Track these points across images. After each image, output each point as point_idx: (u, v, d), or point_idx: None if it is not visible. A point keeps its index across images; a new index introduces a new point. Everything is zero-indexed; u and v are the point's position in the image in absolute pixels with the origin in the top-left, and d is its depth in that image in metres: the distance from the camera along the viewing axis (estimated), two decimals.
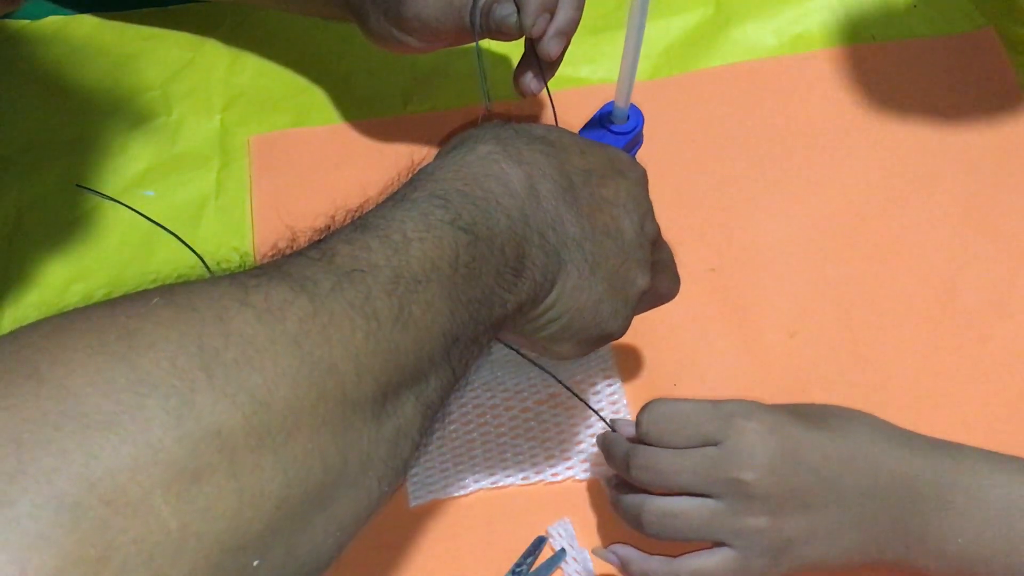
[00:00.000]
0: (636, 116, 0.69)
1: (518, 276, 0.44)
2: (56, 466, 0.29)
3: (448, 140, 0.50)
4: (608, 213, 0.49)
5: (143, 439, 0.30)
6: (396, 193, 0.44)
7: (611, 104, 0.68)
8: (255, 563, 0.32)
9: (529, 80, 0.66)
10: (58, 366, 0.31)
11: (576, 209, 0.48)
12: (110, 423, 0.30)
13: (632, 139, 0.69)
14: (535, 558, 0.60)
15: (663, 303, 0.57)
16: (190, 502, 0.30)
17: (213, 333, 0.33)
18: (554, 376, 0.58)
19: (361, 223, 0.41)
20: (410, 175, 0.46)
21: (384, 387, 0.37)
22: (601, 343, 0.51)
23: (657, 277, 0.54)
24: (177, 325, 0.33)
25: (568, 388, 0.59)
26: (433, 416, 0.41)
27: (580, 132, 0.70)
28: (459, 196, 0.43)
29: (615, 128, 0.69)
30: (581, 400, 0.61)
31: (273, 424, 0.33)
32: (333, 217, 0.43)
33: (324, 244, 0.39)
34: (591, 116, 0.70)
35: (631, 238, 0.50)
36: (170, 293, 0.34)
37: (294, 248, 0.40)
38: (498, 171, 0.45)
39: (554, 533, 0.61)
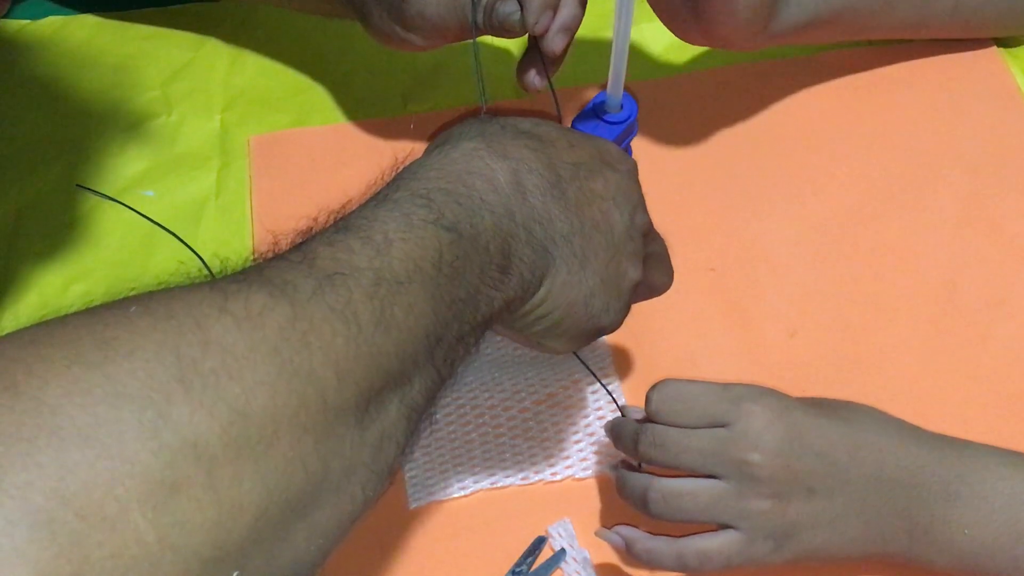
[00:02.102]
0: (630, 105, 0.68)
1: (505, 273, 0.44)
2: (31, 481, 0.28)
3: (436, 136, 0.50)
4: (597, 207, 0.49)
5: (119, 452, 0.30)
6: (379, 193, 0.43)
7: (604, 94, 0.67)
8: (235, 574, 0.32)
9: (532, 77, 0.66)
10: (34, 378, 0.30)
11: (564, 204, 0.47)
12: (86, 436, 0.30)
13: (626, 128, 0.68)
14: (535, 558, 0.60)
15: (656, 295, 0.57)
16: (167, 515, 0.30)
17: (191, 342, 0.33)
18: (579, 358, 0.58)
19: (343, 224, 0.41)
20: (394, 173, 0.45)
21: (367, 391, 0.37)
22: (594, 337, 0.51)
23: (650, 269, 0.54)
24: (154, 334, 0.33)
25: (588, 368, 0.59)
26: (419, 418, 0.41)
27: (573, 123, 0.69)
28: (442, 194, 0.42)
29: (609, 118, 0.68)
30: (598, 380, 0.60)
31: (252, 434, 0.33)
32: (316, 219, 0.43)
33: (305, 247, 0.39)
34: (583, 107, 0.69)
35: (621, 231, 0.50)
36: (148, 301, 0.34)
37: (276, 252, 0.40)
38: (482, 167, 0.45)
39: (554, 533, 0.61)
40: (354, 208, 0.42)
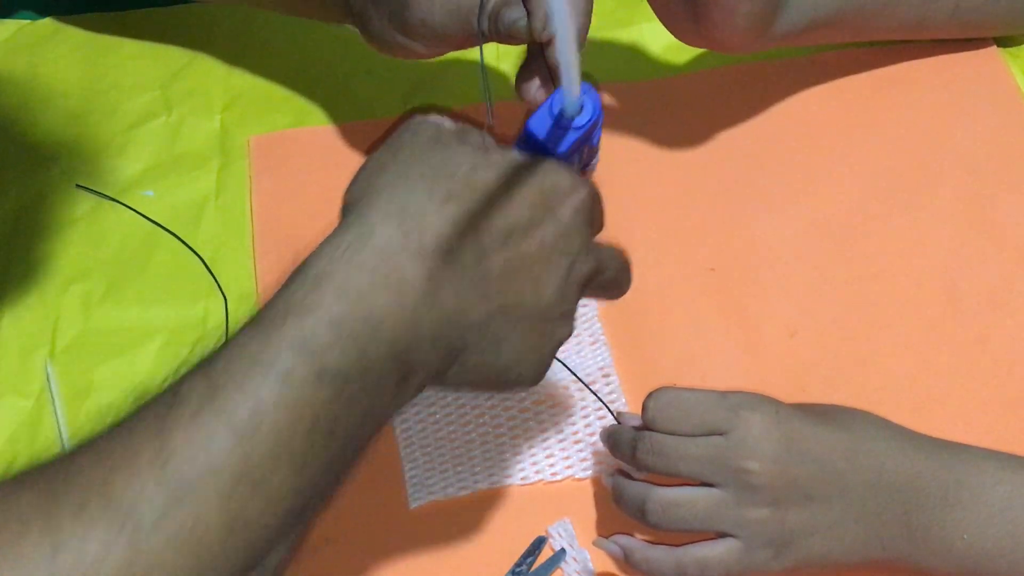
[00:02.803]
0: (591, 97, 0.54)
1: (401, 387, 0.42)
2: None
3: (372, 150, 0.47)
4: (527, 274, 0.44)
5: None
6: (263, 319, 0.40)
7: (560, 92, 0.52)
8: None
9: (535, 89, 0.62)
10: None
11: (484, 287, 0.43)
12: None
13: (591, 126, 0.55)
14: (535, 558, 0.60)
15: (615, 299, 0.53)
16: None
17: None
18: (567, 367, 0.58)
19: (213, 382, 0.38)
20: (293, 267, 0.41)
21: None
22: (515, 392, 0.49)
23: (603, 290, 0.50)
24: None
25: (580, 379, 0.59)
26: (283, 569, 0.39)
27: (527, 128, 0.53)
28: (332, 331, 0.39)
29: (568, 123, 0.53)
30: (591, 391, 0.61)
31: None
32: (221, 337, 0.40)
33: (166, 424, 0.37)
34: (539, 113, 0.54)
35: (552, 294, 0.45)
36: None
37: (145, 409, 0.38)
38: (392, 272, 0.40)
39: (554, 533, 0.61)
40: (238, 336, 0.39)
